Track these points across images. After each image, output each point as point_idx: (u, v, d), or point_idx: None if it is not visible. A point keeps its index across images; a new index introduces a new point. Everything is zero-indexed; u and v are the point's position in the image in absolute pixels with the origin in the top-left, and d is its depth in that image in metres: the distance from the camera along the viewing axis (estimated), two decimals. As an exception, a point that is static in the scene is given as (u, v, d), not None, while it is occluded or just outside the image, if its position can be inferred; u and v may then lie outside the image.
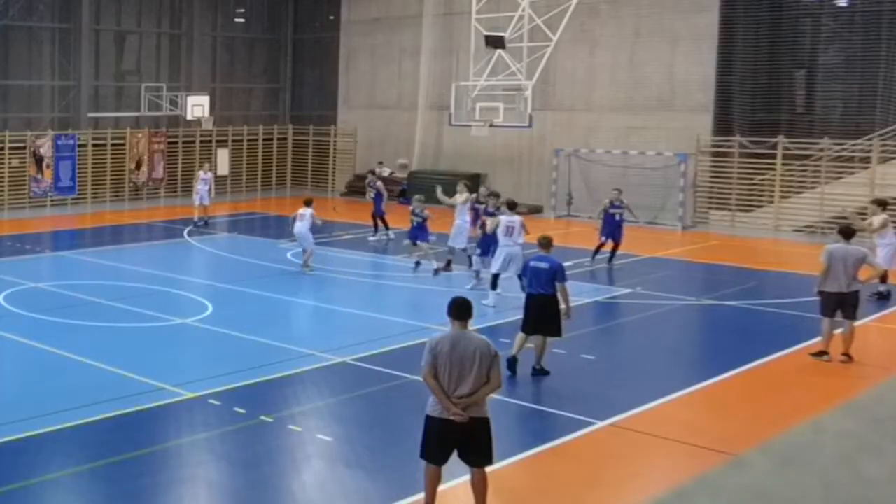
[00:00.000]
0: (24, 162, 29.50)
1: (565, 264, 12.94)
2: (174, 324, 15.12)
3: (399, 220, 23.04)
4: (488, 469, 8.04)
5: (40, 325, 14.85)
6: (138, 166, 32.00)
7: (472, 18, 28.03)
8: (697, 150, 27.28)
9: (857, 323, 13.52)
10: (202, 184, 26.13)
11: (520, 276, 14.80)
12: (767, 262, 21.80)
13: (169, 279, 18.69)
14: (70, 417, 10.56)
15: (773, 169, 26.30)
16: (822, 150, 25.46)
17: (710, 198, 27.54)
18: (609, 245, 20.42)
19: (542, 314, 12.20)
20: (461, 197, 19.41)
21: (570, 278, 13.28)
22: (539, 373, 12.29)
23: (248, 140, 35.12)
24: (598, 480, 9.34)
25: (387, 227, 23.70)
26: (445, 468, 8.13)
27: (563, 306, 12.15)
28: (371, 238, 23.73)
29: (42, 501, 8.82)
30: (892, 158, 24.51)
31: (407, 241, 20.32)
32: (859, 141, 24.99)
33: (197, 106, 31.76)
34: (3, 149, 29.06)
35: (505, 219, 16.52)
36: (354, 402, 11.61)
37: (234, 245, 23.74)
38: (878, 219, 17.24)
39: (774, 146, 26.10)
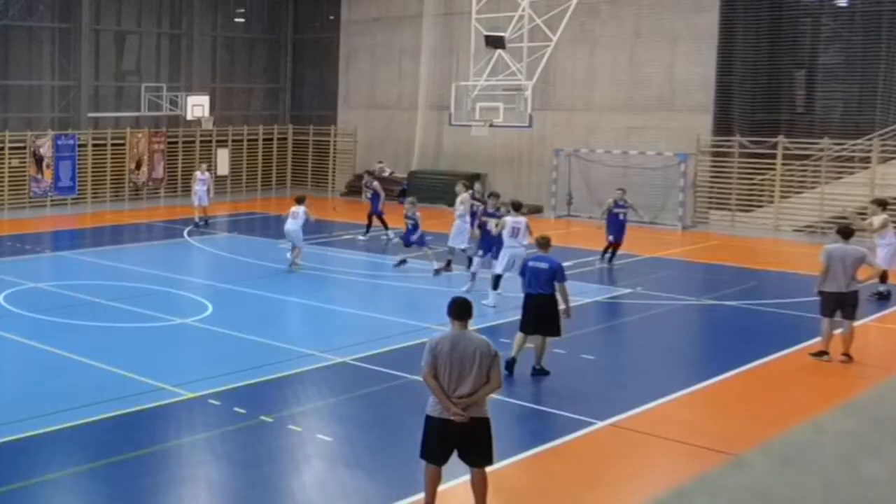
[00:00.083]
0: (24, 162, 29.51)
1: (565, 264, 12.95)
2: (174, 324, 15.12)
3: (398, 220, 23.00)
4: (488, 469, 8.04)
5: (40, 325, 14.85)
6: (138, 166, 32.00)
7: (472, 18, 28.02)
8: (697, 150, 27.27)
9: (857, 323, 13.53)
10: (200, 184, 26.10)
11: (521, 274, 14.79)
12: (767, 262, 21.79)
13: (169, 279, 18.69)
14: (70, 417, 10.56)
15: (773, 169, 26.29)
16: (822, 150, 25.46)
17: (710, 198, 27.53)
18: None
19: (541, 314, 12.21)
20: (461, 197, 19.41)
21: (571, 278, 13.28)
22: (539, 373, 12.29)
23: (248, 140, 35.11)
24: (598, 480, 9.34)
25: (386, 227, 23.68)
26: (445, 468, 8.13)
27: (562, 306, 12.16)
28: (361, 238, 23.71)
29: (42, 501, 8.82)
30: (892, 158, 24.51)
31: (397, 240, 20.28)
32: (859, 141, 24.99)
33: (197, 106, 31.76)
34: (3, 149, 29.06)
35: (511, 220, 16.53)
36: (354, 402, 11.61)
37: (234, 245, 23.73)
38: (878, 219, 17.25)
39: (774, 146, 26.09)
